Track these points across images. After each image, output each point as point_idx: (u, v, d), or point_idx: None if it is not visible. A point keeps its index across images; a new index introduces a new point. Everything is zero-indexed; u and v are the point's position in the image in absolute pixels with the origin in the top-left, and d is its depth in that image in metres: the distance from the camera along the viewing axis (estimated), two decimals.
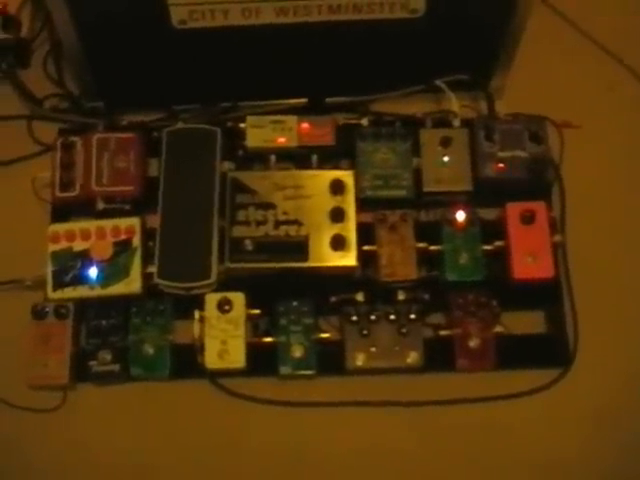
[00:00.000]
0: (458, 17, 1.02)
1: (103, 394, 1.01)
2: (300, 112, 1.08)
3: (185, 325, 1.00)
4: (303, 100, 1.10)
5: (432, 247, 1.01)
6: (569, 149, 1.09)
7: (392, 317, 0.99)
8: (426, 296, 1.00)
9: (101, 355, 0.99)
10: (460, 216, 1.02)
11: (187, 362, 0.99)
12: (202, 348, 0.97)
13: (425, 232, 1.02)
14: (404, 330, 0.98)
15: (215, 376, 1.00)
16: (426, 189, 1.04)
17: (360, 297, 1.00)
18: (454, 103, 1.07)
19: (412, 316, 0.99)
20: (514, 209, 1.02)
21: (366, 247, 1.01)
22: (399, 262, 1.00)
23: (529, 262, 1.00)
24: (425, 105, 1.11)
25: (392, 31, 1.02)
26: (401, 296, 0.99)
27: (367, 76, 1.08)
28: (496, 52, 1.07)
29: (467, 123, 1.07)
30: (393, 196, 1.04)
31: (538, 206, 1.02)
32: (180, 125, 1.06)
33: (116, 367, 0.99)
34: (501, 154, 1.05)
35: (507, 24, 1.03)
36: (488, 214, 1.04)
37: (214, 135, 1.05)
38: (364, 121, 1.07)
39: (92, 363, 0.99)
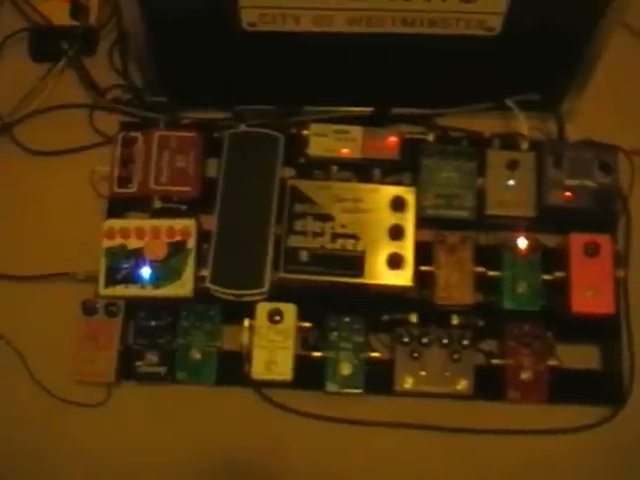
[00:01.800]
0: (534, 37, 0.95)
1: (147, 394, 0.98)
2: (365, 121, 1.03)
3: (233, 332, 0.96)
4: (368, 109, 1.05)
5: (490, 273, 0.96)
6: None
7: (445, 341, 0.94)
8: (480, 322, 0.96)
9: (148, 356, 0.96)
10: (522, 243, 0.96)
11: (233, 370, 0.95)
12: (249, 357, 0.94)
13: (484, 256, 0.97)
14: (456, 356, 0.94)
15: (260, 386, 0.96)
16: (489, 212, 0.99)
17: (413, 318, 0.95)
18: (523, 124, 1.01)
19: (465, 342, 0.94)
20: (577, 240, 0.96)
21: (423, 267, 0.96)
22: (456, 285, 0.95)
23: (589, 296, 0.94)
24: (492, 123, 1.05)
25: (465, 47, 0.96)
26: (455, 320, 0.95)
27: (435, 90, 1.03)
28: (570, 74, 1.01)
29: (535, 146, 1.01)
30: (454, 217, 0.99)
31: (603, 239, 0.96)
32: (243, 128, 1.02)
33: (162, 369, 0.96)
34: (568, 182, 0.99)
35: (584, 46, 0.97)
36: (549, 242, 0.99)
37: (277, 140, 1.01)
38: (430, 137, 1.02)
39: (138, 363, 0.96)
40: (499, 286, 0.95)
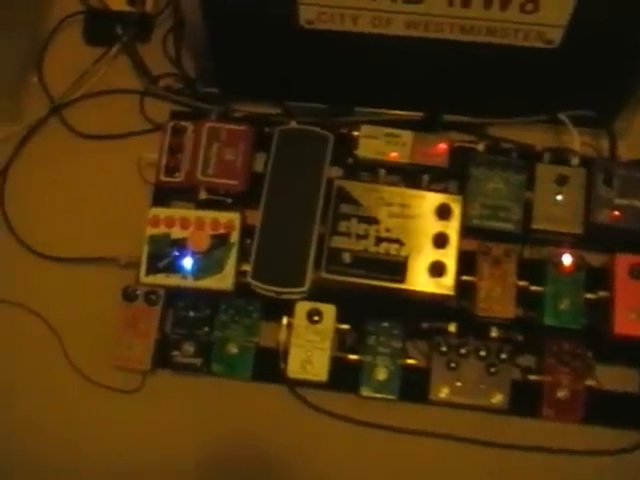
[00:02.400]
0: (592, 52, 0.93)
1: (182, 384, 0.97)
2: (415, 126, 1.02)
3: (271, 328, 0.96)
4: (420, 114, 1.04)
5: (533, 287, 0.94)
6: None
7: (482, 354, 0.92)
8: (520, 337, 0.94)
9: (185, 346, 0.95)
10: (567, 260, 0.94)
11: (269, 366, 0.95)
12: (286, 355, 0.93)
13: (527, 270, 0.95)
14: (493, 370, 0.92)
15: (295, 385, 0.95)
16: (535, 226, 0.97)
17: (452, 328, 0.94)
18: (576, 140, 0.99)
19: (503, 356, 0.92)
20: (623, 261, 0.94)
21: (465, 277, 0.95)
22: (497, 298, 0.93)
23: (632, 318, 0.92)
24: (544, 136, 1.03)
25: (522, 58, 0.94)
26: (494, 333, 0.93)
27: (489, 99, 1.01)
28: (625, 92, 0.98)
29: (586, 162, 0.99)
30: (500, 228, 0.97)
31: None
32: (294, 125, 1.01)
33: (198, 361, 0.95)
34: (618, 201, 0.96)
35: None
36: (595, 260, 0.96)
37: (326, 139, 1.00)
38: (480, 146, 1.00)
39: (175, 353, 0.95)
40: (541, 302, 0.93)
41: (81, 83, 1.10)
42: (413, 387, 0.93)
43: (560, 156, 1.00)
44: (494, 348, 0.93)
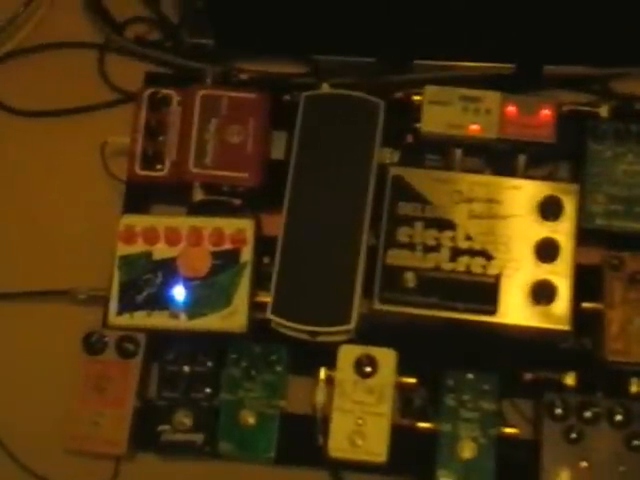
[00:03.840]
0: None
1: (173, 473, 1.00)
2: (504, 84, 1.04)
3: (303, 387, 0.99)
4: (509, 66, 1.07)
5: None
6: None
7: (618, 418, 0.94)
8: None
9: (178, 417, 0.98)
10: None
11: (301, 443, 0.97)
12: (326, 425, 0.96)
13: None
14: (636, 442, 0.93)
15: (340, 469, 0.97)
16: None
17: (570, 380, 0.96)
18: None
19: None
20: None
21: (586, 304, 0.97)
22: (638, 335, 0.95)
23: None
24: None
25: None
26: (636, 387, 0.95)
27: (612, 38, 1.04)
28: None
29: None
30: (637, 231, 0.99)
31: None
32: (326, 89, 1.04)
33: (198, 437, 0.97)
34: None
35: None
36: None
37: (375, 109, 1.02)
38: (602, 110, 1.03)
39: (163, 427, 0.98)
40: None
41: (6, 36, 1.14)
42: (515, 470, 0.95)
43: None
44: (636, 410, 0.95)
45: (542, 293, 0.96)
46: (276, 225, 1.00)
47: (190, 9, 1.08)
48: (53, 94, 1.12)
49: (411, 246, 0.98)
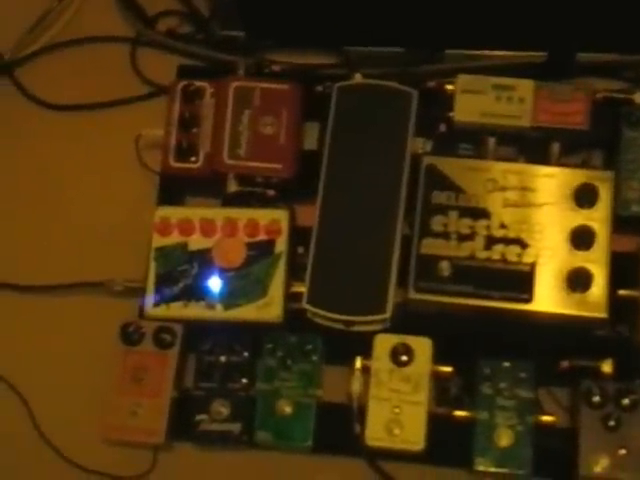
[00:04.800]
0: None
1: (212, 462, 1.01)
2: (537, 72, 1.06)
3: (339, 376, 1.00)
4: (541, 54, 1.08)
5: None
6: None
7: None
8: None
9: (215, 407, 0.99)
10: None
11: (337, 431, 0.99)
12: (362, 414, 0.97)
13: None
14: None
15: (377, 458, 0.99)
16: None
17: (607, 367, 0.97)
18: None
19: None
20: None
21: (623, 291, 0.98)
22: None
23: None
24: None
25: None
26: None
27: None
28: None
29: None
30: None
31: None
32: (358, 79, 1.05)
33: (235, 427, 0.99)
34: None
35: None
36: None
37: (408, 98, 1.04)
38: (637, 96, 1.04)
39: (201, 417, 0.99)
40: None
41: (41, 31, 1.16)
42: (553, 457, 0.96)
43: None
44: None
45: (578, 281, 0.97)
46: (310, 216, 1.02)
47: (221, 1, 1.10)
48: (87, 88, 1.14)
49: (445, 235, 1.00)
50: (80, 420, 1.03)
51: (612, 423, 0.95)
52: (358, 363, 0.98)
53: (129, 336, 1.02)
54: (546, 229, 0.99)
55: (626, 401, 0.96)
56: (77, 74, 1.15)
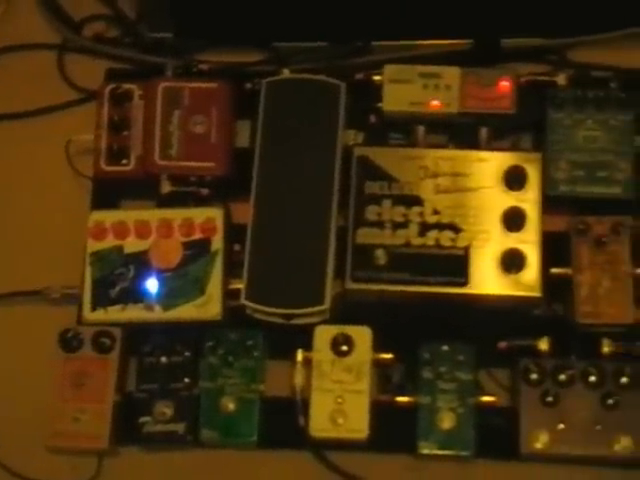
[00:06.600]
0: None
1: (157, 465, 1.03)
2: (463, 59, 1.09)
3: (281, 370, 1.02)
4: (466, 42, 1.11)
5: None
6: None
7: (592, 379, 0.98)
8: None
9: (158, 408, 1.01)
10: None
11: (282, 425, 1.01)
12: (306, 406, 0.99)
13: None
14: (611, 401, 0.98)
15: (323, 448, 1.01)
16: None
17: (544, 345, 1.00)
18: None
19: (623, 380, 0.98)
20: None
21: (555, 270, 1.01)
22: (606, 296, 1.00)
23: None
24: None
25: None
26: (607, 348, 0.99)
27: (564, 10, 1.08)
28: None
29: None
30: (601, 195, 1.04)
31: None
32: (286, 74, 1.08)
33: (179, 427, 1.01)
34: None
35: None
36: None
37: (336, 91, 1.06)
38: (560, 78, 1.07)
39: (144, 419, 1.01)
40: None
41: None
42: (495, 437, 0.99)
43: None
44: (609, 370, 0.99)
45: (512, 262, 1.00)
46: (245, 213, 1.04)
47: (147, 3, 1.12)
48: (14, 97, 1.16)
49: (380, 224, 1.02)
50: (23, 430, 1.04)
51: (550, 399, 0.99)
52: (299, 356, 1.00)
53: (68, 342, 1.03)
54: (479, 213, 1.02)
55: (563, 377, 0.99)
56: (4, 82, 1.17)
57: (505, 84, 1.06)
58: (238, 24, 1.12)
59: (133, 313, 1.03)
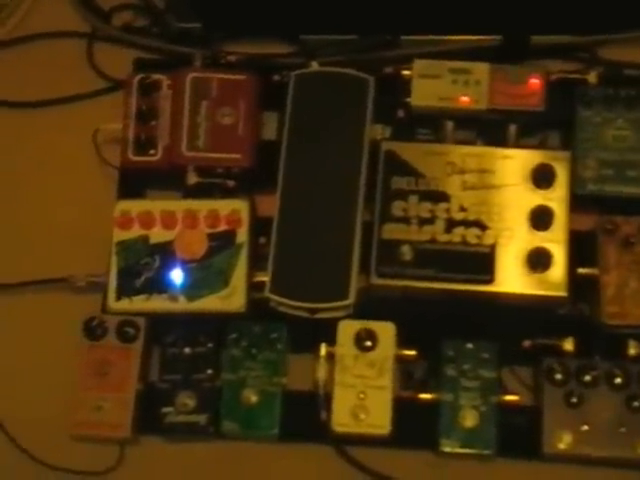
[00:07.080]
0: None
1: (178, 455, 1.04)
2: (492, 56, 1.09)
3: (304, 364, 1.03)
4: (496, 38, 1.11)
5: None
6: None
7: (618, 381, 0.98)
8: None
9: (180, 399, 1.02)
10: None
11: (304, 419, 1.01)
12: (328, 401, 1.00)
13: None
14: (636, 403, 0.98)
15: (344, 443, 1.02)
16: None
17: (569, 345, 1.00)
18: None
19: None
20: None
21: (582, 270, 1.02)
22: (633, 297, 1.00)
23: None
24: None
25: None
26: (634, 350, 0.99)
27: (595, 7, 1.08)
28: None
29: None
30: (630, 195, 1.04)
31: None
32: (315, 67, 1.08)
33: (201, 418, 1.01)
34: None
35: None
36: None
37: (365, 85, 1.07)
38: (591, 76, 1.07)
39: (166, 410, 1.02)
40: None
41: None
42: (517, 436, 1.00)
43: None
44: (634, 371, 0.99)
45: (538, 261, 1.01)
46: (271, 205, 1.04)
47: None
48: (43, 85, 1.17)
49: (406, 220, 1.03)
50: (46, 418, 1.05)
51: (574, 400, 0.99)
52: (323, 350, 1.01)
53: (92, 331, 1.04)
54: (505, 210, 1.02)
55: (587, 378, 0.99)
56: (33, 71, 1.18)
57: (535, 81, 1.06)
58: (266, 16, 1.13)
59: (157, 303, 1.03)
